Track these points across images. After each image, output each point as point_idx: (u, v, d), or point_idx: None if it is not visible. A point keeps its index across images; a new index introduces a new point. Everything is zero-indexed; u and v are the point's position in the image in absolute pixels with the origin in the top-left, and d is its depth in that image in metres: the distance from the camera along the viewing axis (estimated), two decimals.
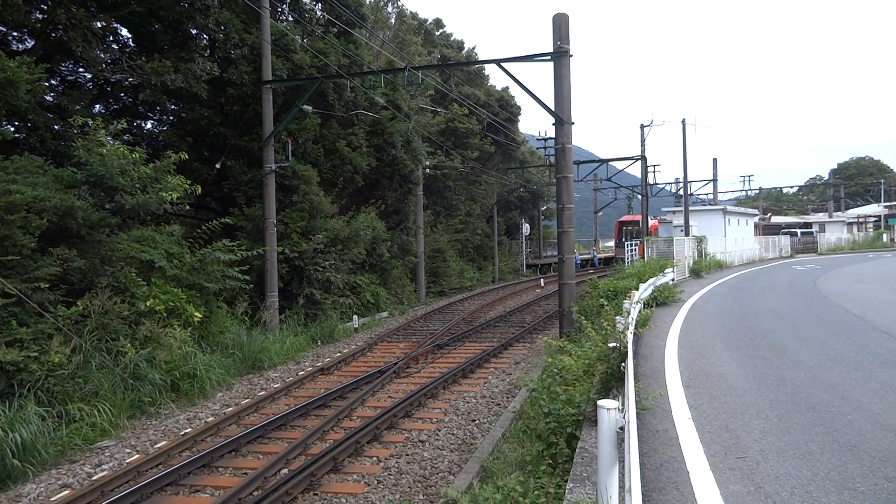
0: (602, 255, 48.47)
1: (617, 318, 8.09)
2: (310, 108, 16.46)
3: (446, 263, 29.20)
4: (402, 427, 8.77)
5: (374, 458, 7.59)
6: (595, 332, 7.58)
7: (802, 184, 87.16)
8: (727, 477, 4.29)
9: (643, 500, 2.87)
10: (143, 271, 10.92)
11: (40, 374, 8.17)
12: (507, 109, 36.07)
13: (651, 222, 36.80)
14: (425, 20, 35.19)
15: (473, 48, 38.28)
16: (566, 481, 4.72)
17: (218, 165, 15.76)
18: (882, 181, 65.90)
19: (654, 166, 42.24)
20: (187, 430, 8.78)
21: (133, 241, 11.07)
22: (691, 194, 40.08)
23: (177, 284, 11.35)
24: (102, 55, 13.74)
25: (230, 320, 13.08)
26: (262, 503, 6.00)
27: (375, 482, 6.85)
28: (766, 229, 47.19)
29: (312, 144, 18.12)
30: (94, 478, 7.09)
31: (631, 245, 29.55)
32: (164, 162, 11.57)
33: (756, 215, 45.87)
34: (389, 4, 30.07)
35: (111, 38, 14.93)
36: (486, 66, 34.19)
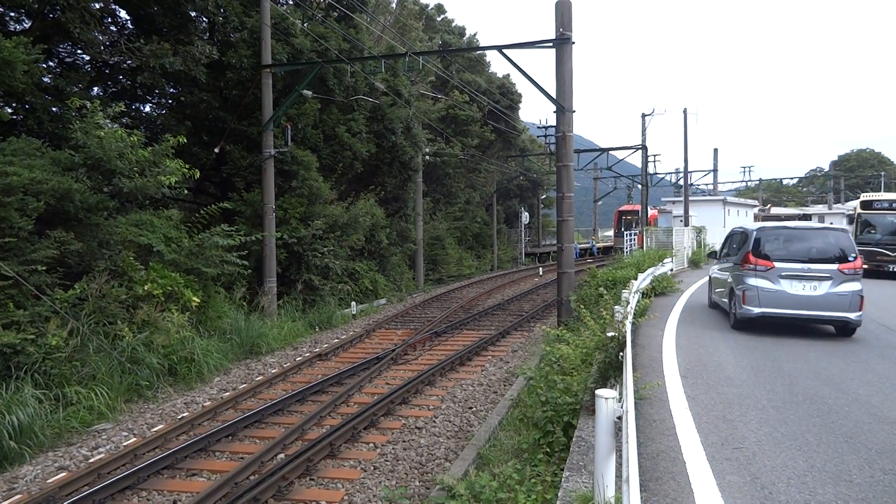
0: (601, 245, 48.48)
1: (615, 307, 8.07)
2: (309, 93, 16.35)
3: (445, 251, 29.16)
4: (400, 414, 8.78)
5: (371, 445, 7.60)
6: (593, 321, 7.56)
7: (803, 175, 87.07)
8: (724, 467, 4.30)
9: (640, 490, 2.87)
10: (141, 255, 10.88)
11: (37, 357, 8.16)
12: (507, 97, 35.90)
13: (651, 212, 36.75)
14: (427, 5, 34.94)
15: (475, 35, 38.03)
16: (562, 470, 4.72)
17: (217, 150, 15.66)
18: (882, 173, 65.78)
19: (655, 156, 42.21)
20: (185, 415, 8.79)
21: (131, 224, 11.01)
22: (691, 184, 40.04)
23: (175, 269, 11.31)
24: (101, 37, 13.58)
25: (228, 305, 13.06)
26: (259, 487, 6.01)
27: (372, 468, 6.87)
28: (765, 220, 47.17)
29: (312, 130, 18.01)
30: (91, 460, 7.10)
31: (630, 235, 29.54)
32: (162, 145, 11.48)
33: (756, 206, 45.84)
34: None
35: (109, 20, 14.75)
36: (487, 52, 34.09)
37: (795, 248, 9.69)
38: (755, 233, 10.09)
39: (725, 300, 11.00)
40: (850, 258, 9.33)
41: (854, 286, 9.17)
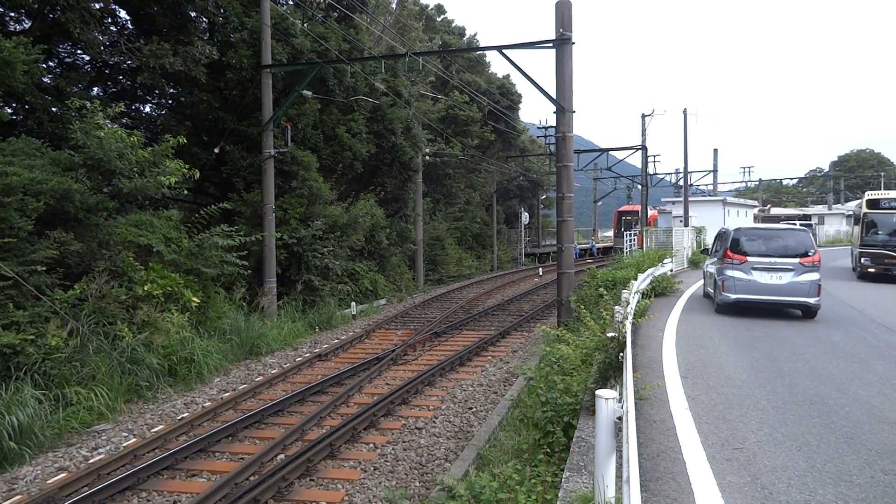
0: (601, 245, 48.49)
1: (615, 307, 8.07)
2: (309, 93, 16.35)
3: (445, 251, 29.16)
4: (399, 414, 8.78)
5: (371, 445, 7.60)
6: (593, 321, 7.56)
7: (802, 175, 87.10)
8: (724, 468, 4.30)
9: (640, 490, 2.86)
10: (141, 256, 10.88)
11: (37, 358, 8.16)
12: (507, 97, 35.90)
13: (650, 212, 36.76)
14: (427, 6, 34.95)
15: (475, 35, 38.03)
16: (563, 470, 4.72)
17: (217, 150, 15.66)
18: (882, 174, 65.80)
19: (655, 156, 42.21)
20: (184, 415, 8.78)
21: (131, 225, 11.01)
22: (691, 185, 40.05)
23: (175, 269, 11.31)
24: (101, 37, 13.58)
25: (228, 306, 13.06)
26: (259, 488, 6.01)
27: (372, 468, 6.86)
28: (765, 221, 47.19)
29: (312, 130, 18.01)
30: (91, 461, 7.10)
31: (630, 235, 29.54)
32: (162, 146, 11.48)
33: (755, 206, 45.89)
34: None
35: (109, 20, 14.74)
36: (487, 53, 34.09)
37: (765, 245, 11.45)
38: (733, 233, 11.94)
39: (711, 289, 12.90)
40: (809, 253, 10.98)
41: (813, 276, 10.77)
